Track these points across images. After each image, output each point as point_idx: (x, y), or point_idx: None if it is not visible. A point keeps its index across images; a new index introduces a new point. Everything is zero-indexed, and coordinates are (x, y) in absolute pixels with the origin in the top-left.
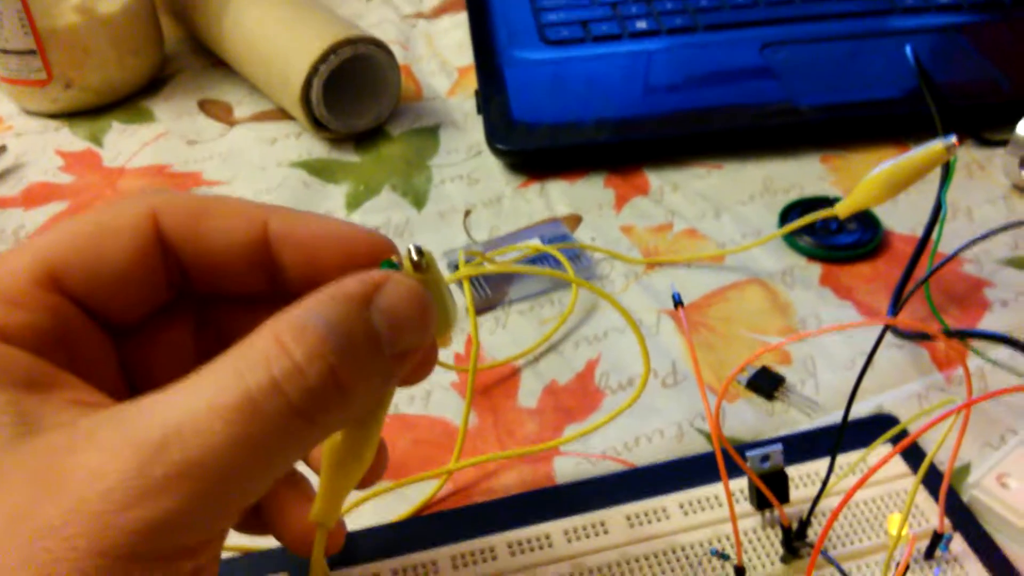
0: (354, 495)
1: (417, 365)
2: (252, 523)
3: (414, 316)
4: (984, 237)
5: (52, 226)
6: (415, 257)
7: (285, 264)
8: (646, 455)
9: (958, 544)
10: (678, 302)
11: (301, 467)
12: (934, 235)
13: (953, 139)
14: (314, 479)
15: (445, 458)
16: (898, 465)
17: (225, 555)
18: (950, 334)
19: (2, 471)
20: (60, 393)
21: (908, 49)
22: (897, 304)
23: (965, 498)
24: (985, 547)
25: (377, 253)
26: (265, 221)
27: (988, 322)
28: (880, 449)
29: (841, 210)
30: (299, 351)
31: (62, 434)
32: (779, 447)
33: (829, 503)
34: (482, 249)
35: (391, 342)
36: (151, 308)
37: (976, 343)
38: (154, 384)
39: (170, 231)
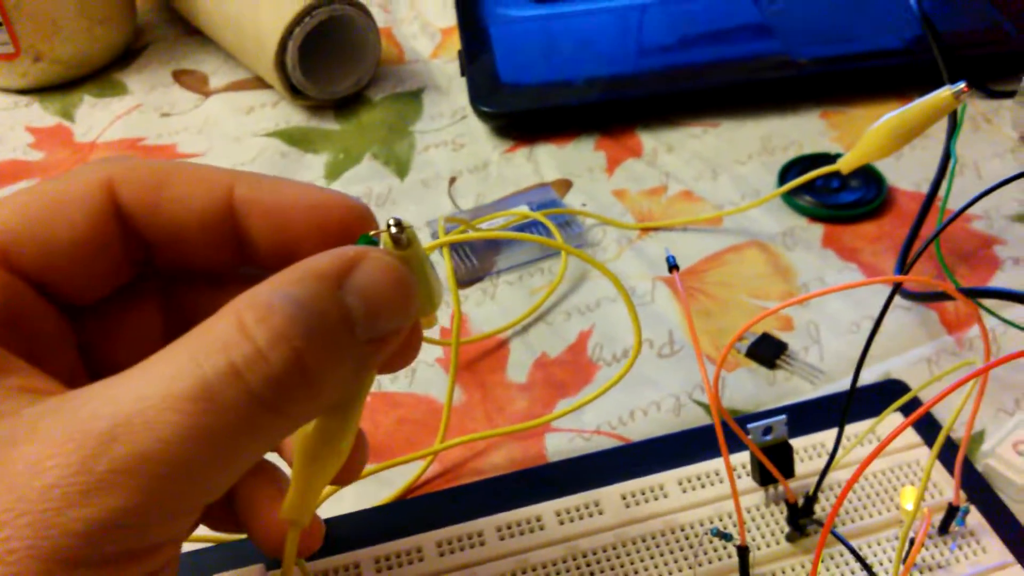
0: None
1: (399, 350)
2: (223, 519)
3: (393, 297)
4: (996, 188)
5: (0, 200)
6: (395, 231)
7: (253, 235)
8: (642, 430)
9: (973, 517)
10: (673, 266)
11: (277, 460)
12: (943, 188)
13: (962, 85)
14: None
15: (431, 438)
16: (909, 435)
17: (197, 546)
18: (969, 292)
19: None
20: (5, 379)
21: None
22: (905, 262)
23: (979, 467)
24: (1002, 519)
25: (353, 222)
26: (230, 188)
27: (999, 281)
28: (890, 418)
29: (844, 165)
30: (262, 334)
31: (3, 424)
32: (783, 418)
33: (836, 477)
34: (467, 217)
35: (367, 326)
36: (111, 287)
37: (989, 303)
38: (118, 371)
39: (128, 201)
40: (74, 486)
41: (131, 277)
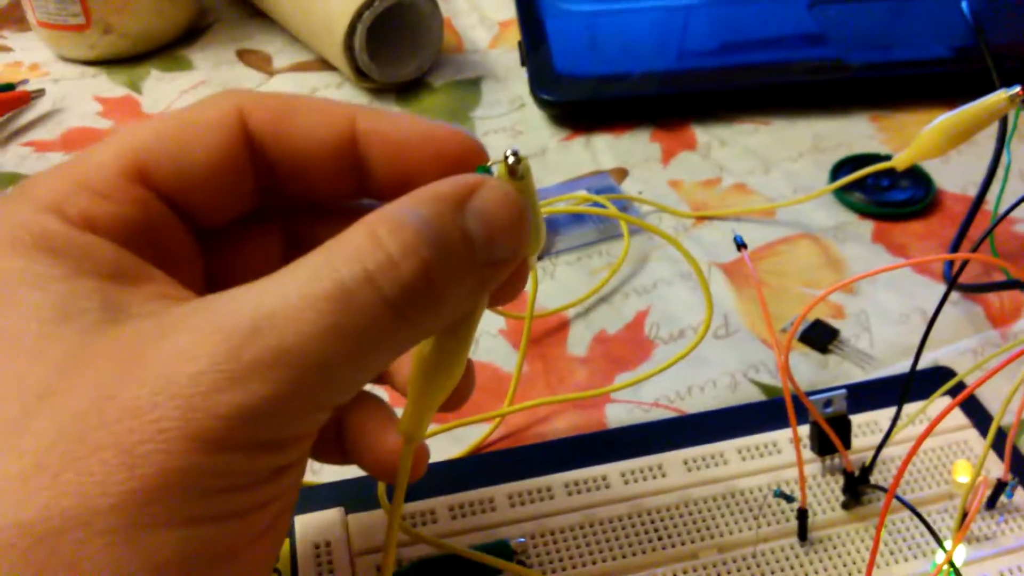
0: None
1: (507, 282)
2: (333, 450)
3: (509, 222)
4: None
5: (138, 122)
6: (511, 161)
7: (373, 164)
8: (698, 404)
9: (1020, 494)
10: (741, 244)
11: (382, 394)
12: (996, 188)
13: (1017, 89)
14: (399, 411)
15: (495, 403)
16: (956, 416)
17: None
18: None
19: (88, 354)
20: (147, 286)
21: (964, 5)
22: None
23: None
24: None
25: (467, 155)
26: (353, 119)
27: None
28: (939, 400)
29: (899, 162)
30: (394, 245)
31: (151, 321)
32: (843, 392)
33: (889, 452)
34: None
35: (485, 247)
36: (238, 211)
37: None
38: None
39: (257, 128)
40: (222, 373)
41: (257, 204)
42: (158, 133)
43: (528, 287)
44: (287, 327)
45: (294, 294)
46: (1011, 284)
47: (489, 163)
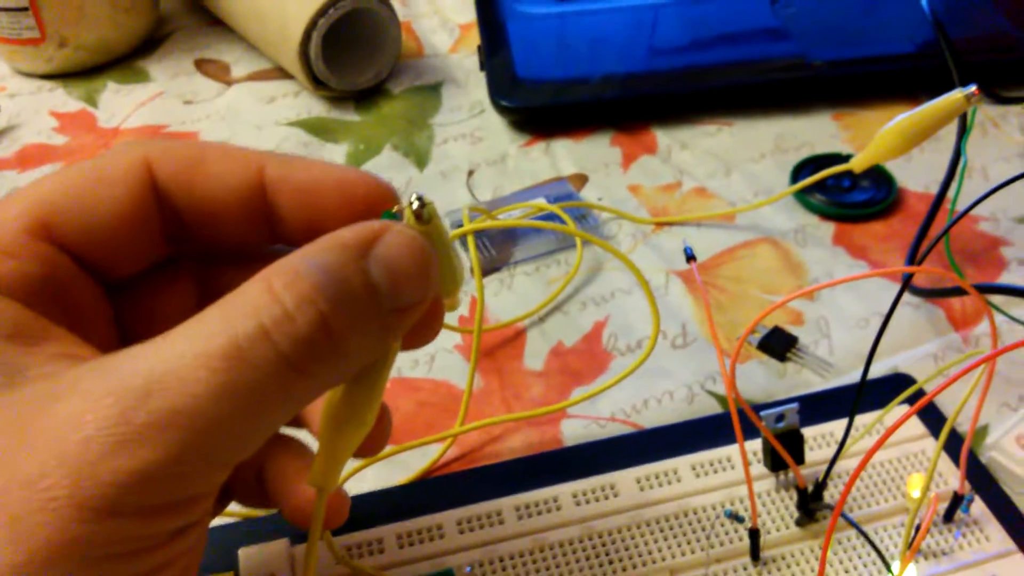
0: (356, 461)
1: (421, 326)
2: (254, 494)
3: (415, 268)
4: (1002, 186)
5: (44, 176)
6: (416, 206)
7: (283, 213)
8: (655, 418)
9: (977, 507)
10: (690, 256)
11: (306, 437)
12: (952, 188)
13: (973, 88)
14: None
15: (450, 422)
16: (915, 426)
17: (226, 520)
18: (982, 288)
19: None
20: (48, 346)
21: (924, 2)
22: (914, 260)
23: (983, 460)
24: (1005, 509)
25: (378, 200)
26: (262, 167)
27: (1005, 281)
28: (897, 409)
29: (856, 164)
30: (289, 298)
31: (45, 385)
32: (795, 406)
33: (845, 465)
34: (486, 208)
35: (390, 295)
36: (147, 262)
37: (997, 300)
38: None
39: (164, 179)
40: (112, 438)
41: (167, 254)
42: (64, 188)
43: (475, 300)
44: (179, 388)
45: (188, 353)
46: (961, 291)
47: (395, 208)
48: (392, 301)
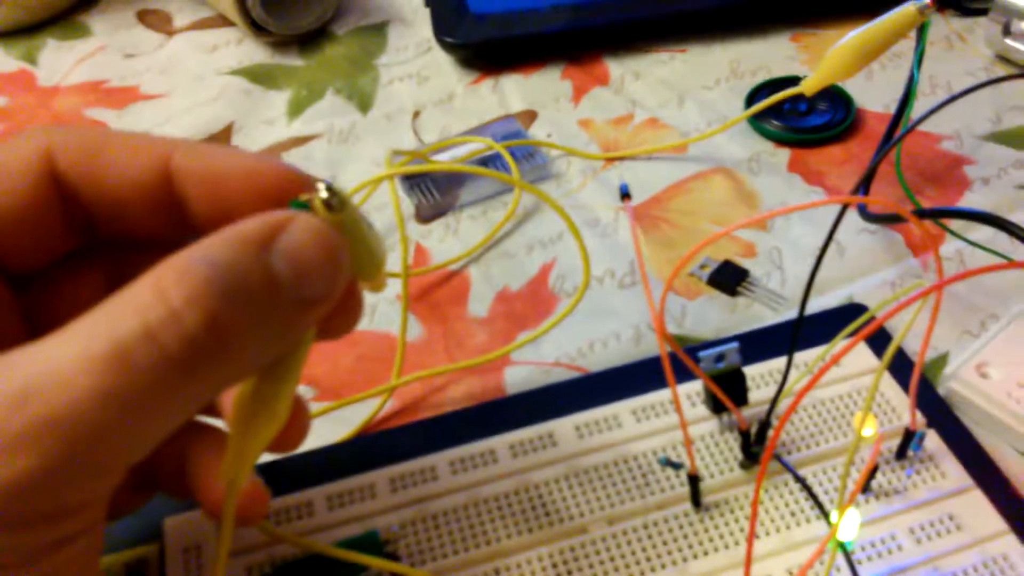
0: None
1: (338, 314)
2: (178, 485)
3: (321, 260)
4: (960, 96)
5: None
6: (325, 196)
7: (191, 203)
8: (601, 361)
9: (932, 441)
10: (625, 194)
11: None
12: (910, 106)
13: (927, 0)
14: None
15: (391, 375)
16: (869, 359)
17: None
18: (923, 213)
19: None
20: None
21: None
22: (869, 183)
23: (942, 391)
24: (962, 443)
25: (289, 189)
26: (168, 156)
27: (969, 201)
28: (847, 341)
29: (807, 86)
30: (178, 296)
31: None
32: (735, 345)
33: (802, 402)
34: (429, 150)
35: (293, 288)
36: (54, 255)
37: (955, 224)
38: None
39: (65, 169)
40: None
41: (75, 245)
42: None
43: (400, 241)
44: (56, 393)
45: (69, 356)
46: (914, 214)
47: (304, 197)
48: (296, 294)
